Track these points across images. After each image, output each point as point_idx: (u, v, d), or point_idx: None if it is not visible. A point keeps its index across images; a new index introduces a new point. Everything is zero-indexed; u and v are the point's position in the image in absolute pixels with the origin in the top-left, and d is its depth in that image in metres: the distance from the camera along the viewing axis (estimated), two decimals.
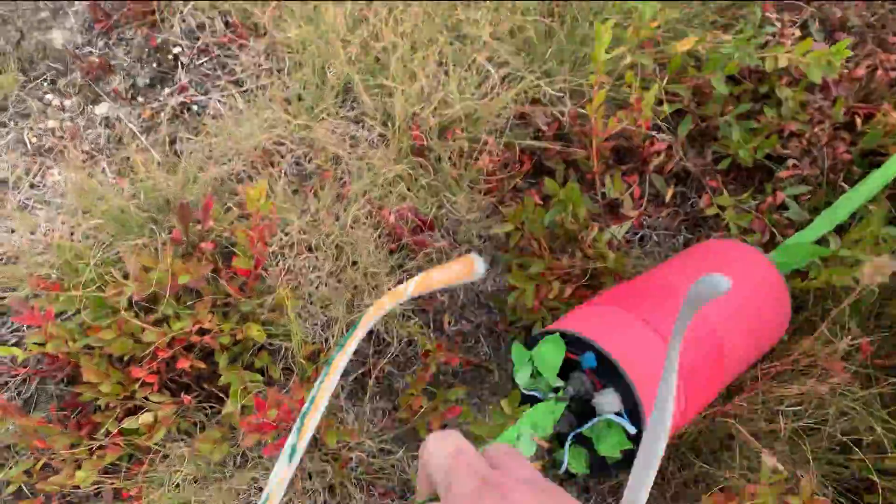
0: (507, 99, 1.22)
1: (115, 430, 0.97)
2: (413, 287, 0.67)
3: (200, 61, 1.31)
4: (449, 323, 1.17)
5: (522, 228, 1.14)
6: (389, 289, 1.09)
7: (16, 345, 1.10)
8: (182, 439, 1.03)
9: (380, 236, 1.14)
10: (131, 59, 1.32)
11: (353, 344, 0.67)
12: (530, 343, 0.86)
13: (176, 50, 1.32)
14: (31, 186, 1.21)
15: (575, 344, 0.82)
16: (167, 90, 1.30)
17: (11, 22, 1.34)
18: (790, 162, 1.27)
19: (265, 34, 1.27)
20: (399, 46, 1.20)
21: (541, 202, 1.17)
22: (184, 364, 0.99)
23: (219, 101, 1.27)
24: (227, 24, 1.30)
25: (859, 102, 1.38)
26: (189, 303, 1.02)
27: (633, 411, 0.79)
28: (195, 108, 1.28)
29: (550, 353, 0.82)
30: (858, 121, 1.33)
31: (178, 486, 0.99)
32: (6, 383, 1.08)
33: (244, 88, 1.28)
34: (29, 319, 0.97)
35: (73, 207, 1.13)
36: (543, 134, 1.27)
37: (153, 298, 1.01)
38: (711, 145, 1.32)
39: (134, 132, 1.25)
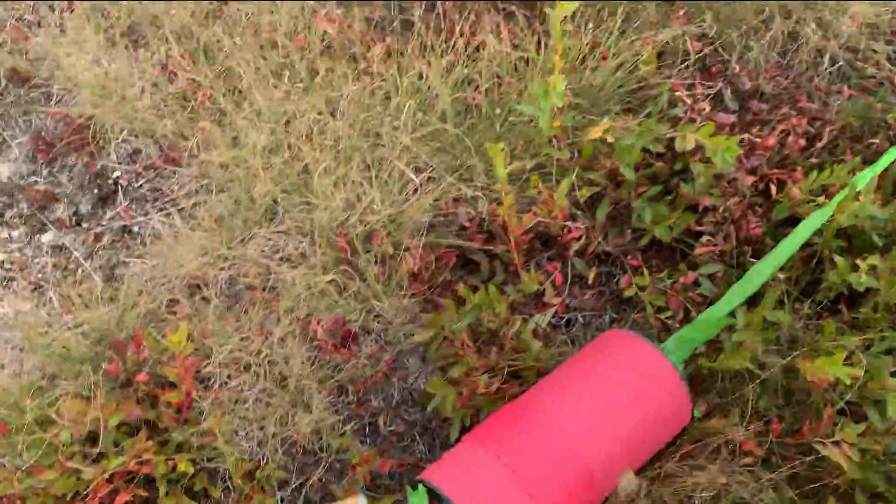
0: (427, 202, 1.28)
1: None
2: None
3: (138, 183, 1.38)
4: (385, 423, 1.23)
5: (444, 330, 1.20)
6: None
7: None
8: None
9: (310, 349, 1.20)
10: (74, 186, 1.39)
11: None
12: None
13: (115, 175, 1.39)
14: None
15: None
16: (109, 214, 1.37)
17: None
18: (705, 238, 1.32)
19: (197, 155, 1.34)
20: (321, 161, 1.27)
21: (462, 303, 1.22)
22: (124, 497, 1.05)
23: (159, 221, 1.34)
24: (160, 148, 1.37)
25: (774, 168, 1.43)
26: (127, 433, 1.08)
27: None
28: (136, 229, 1.35)
29: None
30: (773, 188, 1.38)
31: None
32: None
33: (180, 207, 1.35)
34: None
35: (20, 343, 1.20)
36: (466, 230, 1.33)
37: (93, 437, 1.07)
38: (630, 224, 1.37)
39: (78, 259, 1.32)
